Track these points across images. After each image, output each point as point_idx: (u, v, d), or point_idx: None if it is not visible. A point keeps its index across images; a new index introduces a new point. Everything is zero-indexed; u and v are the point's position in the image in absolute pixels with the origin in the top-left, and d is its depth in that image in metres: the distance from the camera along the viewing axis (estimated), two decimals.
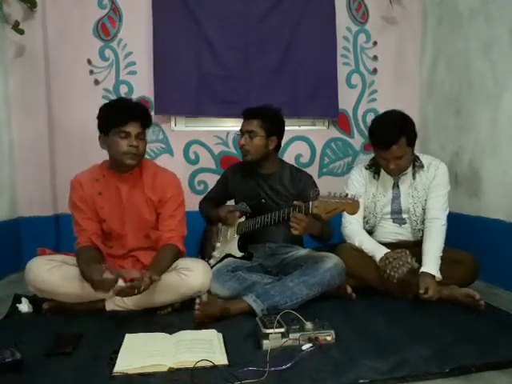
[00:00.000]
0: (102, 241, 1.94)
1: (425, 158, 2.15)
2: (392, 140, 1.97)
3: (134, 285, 1.64)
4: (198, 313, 1.67)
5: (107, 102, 1.99)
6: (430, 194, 2.10)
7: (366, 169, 2.21)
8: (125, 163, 1.86)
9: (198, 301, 1.69)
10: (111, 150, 1.87)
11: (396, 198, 2.16)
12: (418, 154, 2.15)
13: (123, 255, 1.97)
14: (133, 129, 1.83)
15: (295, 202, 1.82)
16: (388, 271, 1.92)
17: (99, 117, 1.88)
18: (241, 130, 2.20)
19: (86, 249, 1.86)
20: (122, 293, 1.66)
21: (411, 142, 2.03)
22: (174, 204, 1.96)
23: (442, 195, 2.09)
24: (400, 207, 2.15)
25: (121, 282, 1.65)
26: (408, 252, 1.94)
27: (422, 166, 2.11)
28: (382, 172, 2.17)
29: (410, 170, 2.13)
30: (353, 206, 1.67)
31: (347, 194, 1.70)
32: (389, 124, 2.02)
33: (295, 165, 2.47)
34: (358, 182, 2.19)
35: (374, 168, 2.19)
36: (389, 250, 2.00)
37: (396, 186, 2.16)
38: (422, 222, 2.13)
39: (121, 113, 1.83)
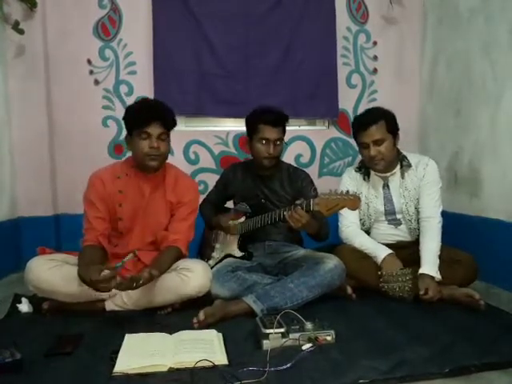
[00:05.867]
0: (109, 239, 1.94)
1: (412, 157, 2.15)
2: (371, 119, 2.03)
3: (134, 278, 1.65)
4: (196, 326, 1.65)
5: (135, 102, 2.02)
6: (421, 193, 2.10)
7: (356, 171, 2.22)
8: (147, 165, 1.87)
9: (195, 320, 1.66)
10: (134, 151, 1.89)
11: (388, 199, 2.16)
12: (405, 154, 2.16)
13: (125, 255, 1.95)
14: (154, 130, 1.83)
15: (297, 202, 1.80)
16: (386, 287, 1.97)
17: (124, 118, 1.90)
18: (266, 139, 2.08)
19: (91, 248, 1.85)
20: (122, 286, 1.65)
21: (391, 128, 2.05)
22: (188, 208, 1.98)
23: (433, 192, 2.09)
24: (393, 208, 2.15)
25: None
26: (410, 275, 1.94)
27: (409, 165, 2.12)
28: (372, 173, 2.18)
29: (397, 169, 2.13)
30: (354, 201, 1.66)
31: (348, 191, 1.68)
32: (370, 109, 2.17)
33: (295, 165, 2.47)
34: (349, 185, 2.15)
35: (364, 170, 2.19)
36: (391, 251, 2.02)
37: (386, 186, 2.16)
38: (417, 221, 2.13)
39: (142, 114, 1.84)
